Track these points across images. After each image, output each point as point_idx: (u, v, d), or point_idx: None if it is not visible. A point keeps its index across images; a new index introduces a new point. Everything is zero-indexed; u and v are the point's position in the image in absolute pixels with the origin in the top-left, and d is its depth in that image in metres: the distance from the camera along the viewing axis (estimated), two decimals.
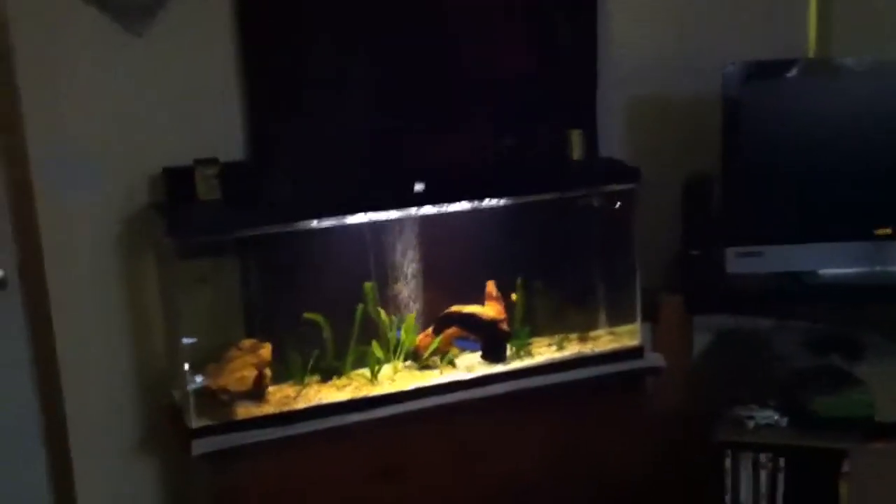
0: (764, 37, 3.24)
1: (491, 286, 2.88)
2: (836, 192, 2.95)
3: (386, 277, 2.88)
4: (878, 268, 2.94)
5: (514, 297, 2.90)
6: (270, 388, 2.67)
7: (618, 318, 3.02)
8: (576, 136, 2.96)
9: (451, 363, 2.83)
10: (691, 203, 3.09)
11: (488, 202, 2.77)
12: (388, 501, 2.70)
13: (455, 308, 2.85)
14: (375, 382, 2.74)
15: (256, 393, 2.63)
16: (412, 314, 2.87)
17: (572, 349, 2.94)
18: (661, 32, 3.18)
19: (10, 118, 2.58)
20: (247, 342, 2.68)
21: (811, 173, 2.95)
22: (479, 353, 2.87)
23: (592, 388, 2.85)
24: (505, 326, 2.85)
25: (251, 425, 2.56)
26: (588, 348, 2.95)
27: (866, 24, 3.25)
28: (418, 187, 2.71)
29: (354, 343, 2.74)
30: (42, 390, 2.71)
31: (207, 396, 2.59)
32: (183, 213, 2.56)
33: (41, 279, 2.65)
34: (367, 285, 2.76)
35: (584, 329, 3.01)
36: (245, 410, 2.59)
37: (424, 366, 2.82)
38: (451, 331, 2.86)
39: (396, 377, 2.77)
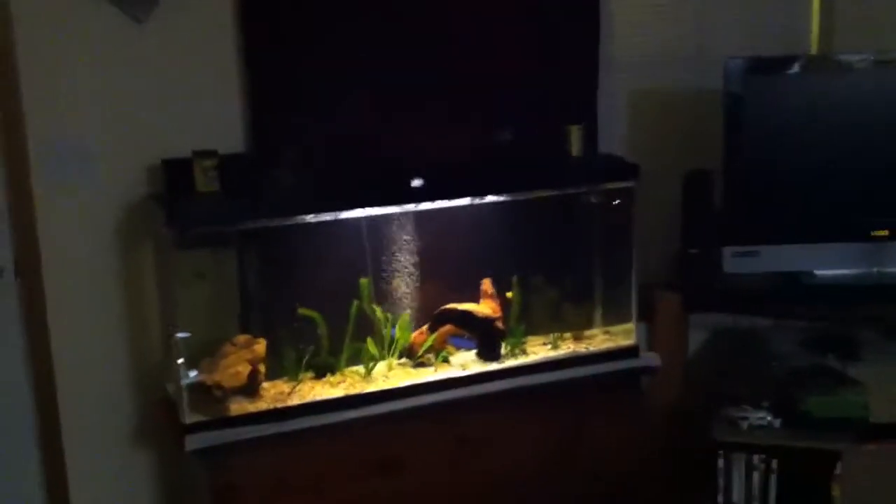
0: (766, 32, 3.22)
1: (487, 284, 2.87)
2: (835, 193, 2.95)
3: (382, 273, 2.88)
4: (874, 269, 2.94)
5: (509, 295, 2.89)
6: (265, 385, 2.68)
7: (614, 316, 3.01)
8: (575, 132, 2.93)
9: (446, 361, 2.83)
10: (691, 200, 3.08)
11: (485, 199, 2.76)
12: (382, 498, 2.71)
13: (450, 306, 2.85)
14: (369, 380, 2.74)
15: (251, 389, 2.63)
16: (407, 312, 2.87)
17: (566, 348, 2.94)
18: (662, 28, 3.17)
19: (10, 108, 2.57)
20: (241, 338, 2.68)
21: (810, 172, 2.95)
22: (473, 352, 2.87)
23: (587, 386, 2.84)
24: (500, 325, 2.85)
25: (245, 421, 2.56)
26: (583, 347, 2.94)
27: (869, 20, 3.23)
28: (416, 183, 2.70)
29: (349, 340, 2.74)
30: (36, 383, 2.72)
31: (202, 392, 2.59)
32: (182, 204, 2.56)
33: (37, 271, 2.65)
34: (363, 281, 2.76)
35: (580, 327, 3.01)
36: (239, 406, 2.59)
37: (419, 363, 2.82)
38: (446, 328, 2.85)
39: (390, 374, 2.77)
